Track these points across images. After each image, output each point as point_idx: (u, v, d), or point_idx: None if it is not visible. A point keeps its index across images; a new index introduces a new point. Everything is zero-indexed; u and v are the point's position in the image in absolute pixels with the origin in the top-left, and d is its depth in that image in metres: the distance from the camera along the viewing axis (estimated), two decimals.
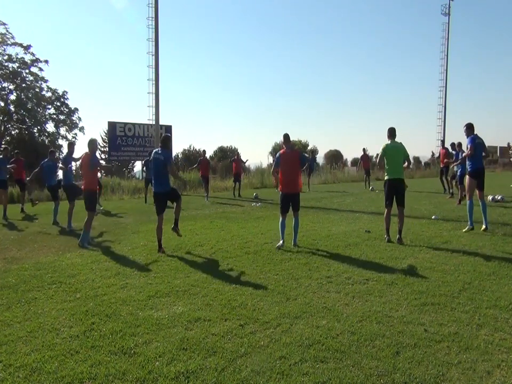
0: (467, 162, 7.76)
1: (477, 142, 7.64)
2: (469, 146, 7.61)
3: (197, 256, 6.42)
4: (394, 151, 7.02)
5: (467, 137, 7.81)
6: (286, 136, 7.00)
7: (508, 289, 4.51)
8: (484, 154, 7.81)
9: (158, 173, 6.66)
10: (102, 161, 14.89)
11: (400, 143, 7.17)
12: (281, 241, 6.83)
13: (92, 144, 7.65)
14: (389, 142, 7.13)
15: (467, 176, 7.71)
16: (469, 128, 7.82)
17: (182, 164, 35.78)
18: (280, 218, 6.95)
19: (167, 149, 6.75)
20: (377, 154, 7.65)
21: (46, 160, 10.46)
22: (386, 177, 7.12)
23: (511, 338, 3.36)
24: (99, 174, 14.34)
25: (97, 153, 9.11)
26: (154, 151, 6.88)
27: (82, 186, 7.70)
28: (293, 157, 6.87)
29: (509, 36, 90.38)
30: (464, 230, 7.64)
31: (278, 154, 6.99)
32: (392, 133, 7.17)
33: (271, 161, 18.61)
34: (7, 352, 3.32)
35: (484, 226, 7.63)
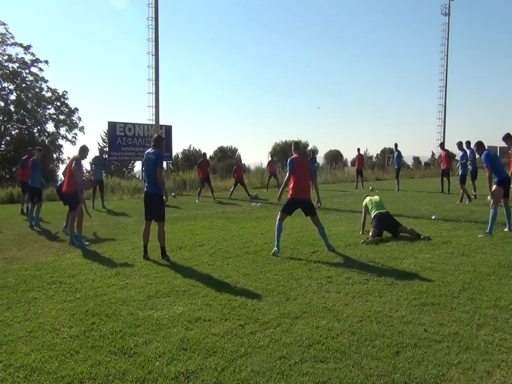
0: (492, 175, 7.75)
1: (492, 156, 7.68)
2: (486, 168, 7.67)
3: (197, 256, 6.42)
4: None
5: (479, 155, 7.90)
6: (297, 143, 6.91)
7: (508, 289, 4.51)
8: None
9: (149, 173, 6.36)
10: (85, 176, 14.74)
11: None
12: (275, 248, 6.37)
13: (83, 151, 7.94)
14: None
15: (495, 186, 7.65)
16: (480, 146, 7.99)
17: (182, 164, 35.73)
18: (277, 221, 6.49)
19: (159, 148, 6.48)
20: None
21: (34, 158, 9.99)
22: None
23: (511, 338, 3.36)
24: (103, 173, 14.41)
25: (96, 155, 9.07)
26: (147, 151, 6.52)
27: (63, 189, 7.93)
28: (307, 163, 6.73)
29: (509, 35, 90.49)
30: (479, 236, 7.24)
31: (291, 160, 6.47)
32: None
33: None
34: (7, 352, 3.32)
35: (506, 229, 7.66)
